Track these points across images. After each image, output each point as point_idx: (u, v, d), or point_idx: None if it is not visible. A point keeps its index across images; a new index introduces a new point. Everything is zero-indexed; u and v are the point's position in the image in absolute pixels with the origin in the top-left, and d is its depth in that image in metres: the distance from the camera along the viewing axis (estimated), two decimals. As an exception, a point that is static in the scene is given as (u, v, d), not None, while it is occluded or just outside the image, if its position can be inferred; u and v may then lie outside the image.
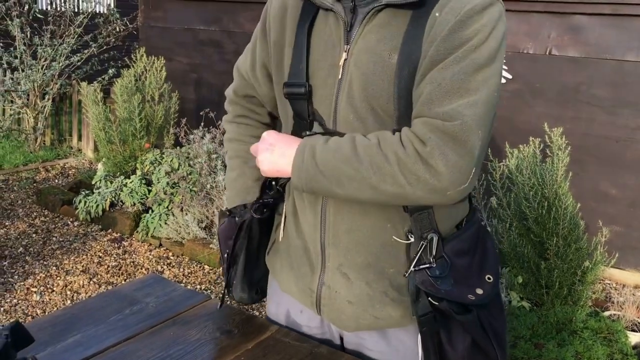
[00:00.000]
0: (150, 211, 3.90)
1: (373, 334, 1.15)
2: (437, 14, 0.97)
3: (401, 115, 1.01)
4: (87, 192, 4.15)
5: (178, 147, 4.24)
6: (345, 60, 1.04)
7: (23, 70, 5.65)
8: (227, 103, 1.35)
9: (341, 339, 1.21)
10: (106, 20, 6.11)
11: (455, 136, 0.93)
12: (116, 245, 3.79)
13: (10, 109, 5.70)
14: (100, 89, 4.61)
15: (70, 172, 5.27)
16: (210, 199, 3.72)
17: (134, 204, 3.97)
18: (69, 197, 4.25)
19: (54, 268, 3.45)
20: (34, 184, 4.87)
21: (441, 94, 0.95)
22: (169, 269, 3.53)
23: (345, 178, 0.98)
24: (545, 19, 3.53)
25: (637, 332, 2.67)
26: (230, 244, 1.25)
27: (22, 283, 3.27)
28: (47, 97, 5.70)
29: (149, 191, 3.98)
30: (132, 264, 3.57)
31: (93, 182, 4.27)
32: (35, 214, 4.24)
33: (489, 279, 1.06)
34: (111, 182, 4.16)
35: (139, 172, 4.10)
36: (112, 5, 7.77)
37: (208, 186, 3.73)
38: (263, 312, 2.87)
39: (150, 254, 3.70)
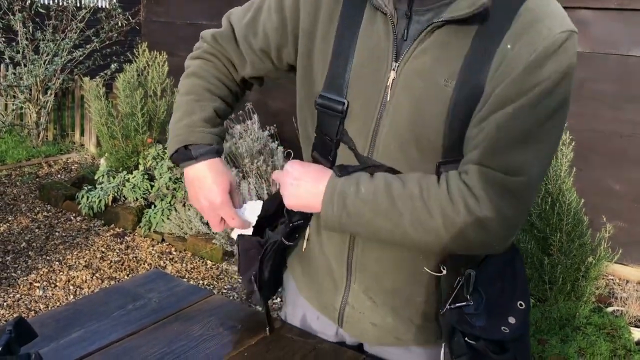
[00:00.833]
0: (152, 206, 3.90)
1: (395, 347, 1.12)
2: (508, 46, 0.85)
3: (447, 150, 0.90)
4: (89, 187, 4.15)
5: (181, 142, 4.23)
6: (393, 79, 0.92)
7: (25, 65, 5.64)
8: (199, 43, 1.17)
9: (359, 344, 1.18)
10: (108, 15, 6.10)
11: (517, 193, 0.85)
12: (119, 240, 3.80)
13: (13, 104, 5.70)
14: (102, 84, 4.61)
15: (72, 167, 5.27)
16: (212, 194, 3.71)
17: (137, 199, 3.97)
18: (72, 192, 4.25)
19: (57, 263, 3.46)
20: (37, 179, 4.87)
21: (507, 142, 0.84)
22: (172, 264, 3.53)
23: (383, 230, 0.91)
24: (549, 14, 3.50)
25: (640, 327, 2.66)
26: (252, 258, 1.15)
27: (25, 278, 3.27)
28: (49, 92, 5.70)
29: (152, 186, 3.98)
30: (134, 259, 3.57)
31: (96, 177, 4.27)
32: (38, 209, 4.25)
33: (520, 305, 0.97)
34: (114, 177, 4.16)
35: (141, 167, 4.10)
36: None
37: (210, 181, 3.72)
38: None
39: (152, 249, 3.70)
